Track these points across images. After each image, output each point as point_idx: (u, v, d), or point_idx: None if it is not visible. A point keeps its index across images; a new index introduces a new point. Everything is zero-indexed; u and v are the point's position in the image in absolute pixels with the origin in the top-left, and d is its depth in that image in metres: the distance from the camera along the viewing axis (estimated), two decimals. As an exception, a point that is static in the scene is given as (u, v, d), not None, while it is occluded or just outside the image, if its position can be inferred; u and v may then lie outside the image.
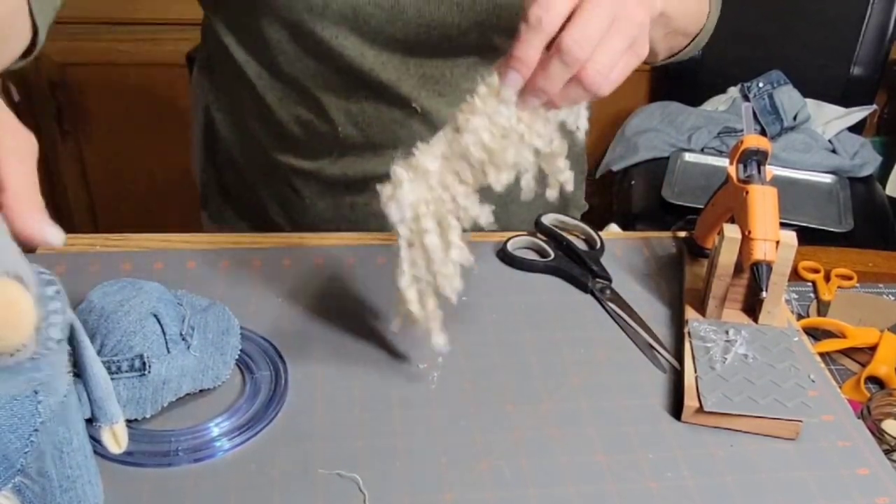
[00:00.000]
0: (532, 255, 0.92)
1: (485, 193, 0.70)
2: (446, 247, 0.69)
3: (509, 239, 0.93)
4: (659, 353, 0.80)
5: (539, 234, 0.94)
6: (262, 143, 1.03)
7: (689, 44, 0.94)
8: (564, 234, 0.94)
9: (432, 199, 0.68)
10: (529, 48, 0.61)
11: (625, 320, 0.83)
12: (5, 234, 0.45)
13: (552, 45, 0.61)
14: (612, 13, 0.61)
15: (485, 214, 0.69)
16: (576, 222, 0.95)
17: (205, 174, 1.15)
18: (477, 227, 0.70)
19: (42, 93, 2.13)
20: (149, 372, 0.69)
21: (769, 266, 0.75)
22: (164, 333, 0.71)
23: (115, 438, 0.56)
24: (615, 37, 0.61)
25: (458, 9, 0.88)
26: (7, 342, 0.44)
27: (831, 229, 1.81)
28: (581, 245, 0.93)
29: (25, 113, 2.15)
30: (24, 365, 0.47)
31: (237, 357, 0.74)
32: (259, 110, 1.01)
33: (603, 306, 0.85)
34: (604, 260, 0.90)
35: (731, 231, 0.78)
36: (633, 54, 0.64)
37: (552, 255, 0.90)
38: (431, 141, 0.69)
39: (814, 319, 1.02)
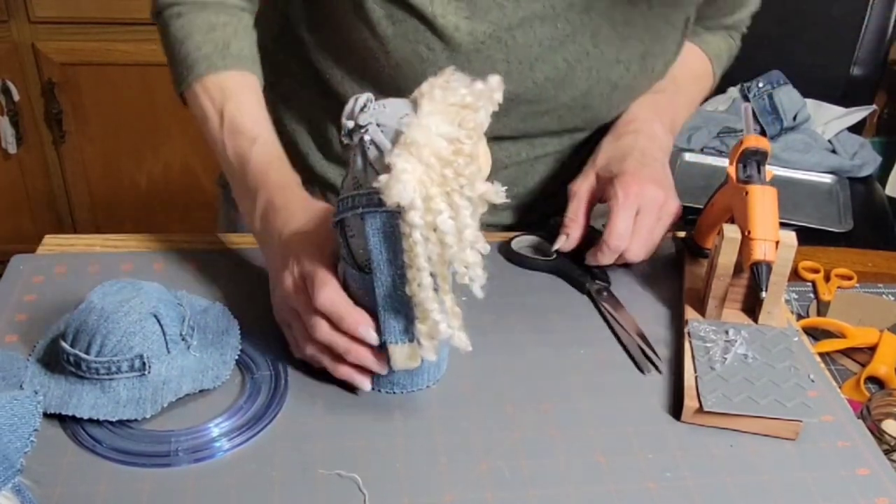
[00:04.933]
0: (536, 254, 0.92)
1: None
2: (460, 231, 0.61)
3: (515, 237, 0.93)
4: (647, 356, 0.79)
5: (540, 233, 0.94)
6: (302, 147, 0.99)
7: None
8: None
9: (437, 179, 0.60)
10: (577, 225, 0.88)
11: (619, 323, 0.83)
12: None
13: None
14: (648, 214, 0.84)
15: (495, 190, 0.62)
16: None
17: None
18: (490, 208, 0.63)
19: (42, 93, 2.13)
20: (149, 372, 0.70)
21: (769, 266, 0.75)
22: (164, 334, 0.71)
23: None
24: (651, 231, 0.85)
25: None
26: None
27: (831, 229, 1.81)
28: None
29: (25, 113, 2.15)
30: None
31: (237, 357, 0.74)
32: (321, 107, 0.95)
33: (598, 307, 0.85)
34: (604, 260, 0.90)
35: (731, 231, 0.78)
36: (662, 226, 0.87)
37: (554, 255, 0.90)
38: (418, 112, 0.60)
39: (814, 319, 1.02)
